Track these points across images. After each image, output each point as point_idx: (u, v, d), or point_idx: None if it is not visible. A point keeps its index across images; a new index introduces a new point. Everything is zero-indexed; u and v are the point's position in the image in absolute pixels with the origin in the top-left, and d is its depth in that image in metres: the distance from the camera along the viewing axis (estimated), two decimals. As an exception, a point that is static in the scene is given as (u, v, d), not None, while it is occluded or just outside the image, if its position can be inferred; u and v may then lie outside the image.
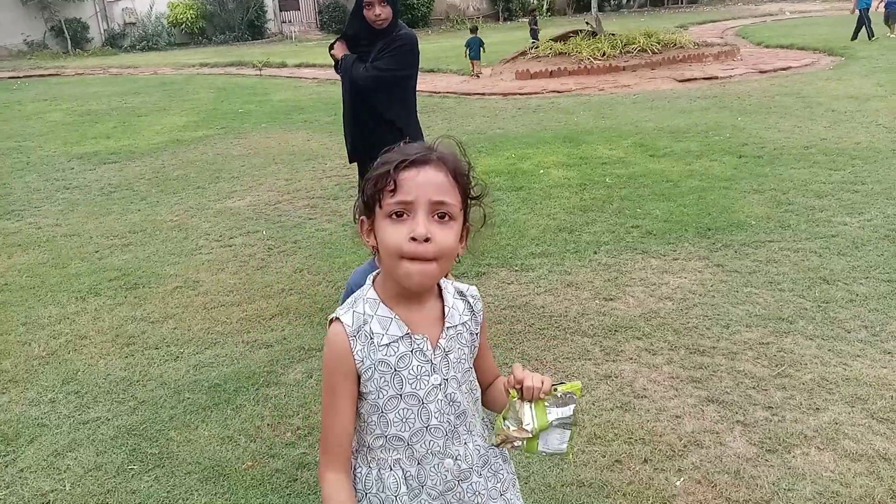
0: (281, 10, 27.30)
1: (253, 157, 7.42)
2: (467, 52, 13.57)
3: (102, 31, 25.07)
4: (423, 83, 12.29)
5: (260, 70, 15.95)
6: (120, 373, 3.19)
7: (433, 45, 20.65)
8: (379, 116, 3.39)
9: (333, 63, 3.57)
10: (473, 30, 14.19)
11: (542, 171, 6.14)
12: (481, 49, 13.53)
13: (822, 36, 15.33)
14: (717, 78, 10.80)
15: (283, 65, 16.89)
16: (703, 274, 3.84)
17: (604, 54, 12.46)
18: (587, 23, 15.42)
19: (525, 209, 5.16)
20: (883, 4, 14.87)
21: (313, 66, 15.95)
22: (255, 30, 26.21)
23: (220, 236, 4.98)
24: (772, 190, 5.14)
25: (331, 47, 3.57)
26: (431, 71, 14.23)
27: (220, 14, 25.35)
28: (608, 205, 5.11)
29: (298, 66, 16.55)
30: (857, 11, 14.60)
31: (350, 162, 3.67)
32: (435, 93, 11.50)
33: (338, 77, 3.56)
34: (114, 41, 24.92)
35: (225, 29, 25.50)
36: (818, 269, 3.79)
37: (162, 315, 3.76)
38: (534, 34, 16.21)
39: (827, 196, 4.93)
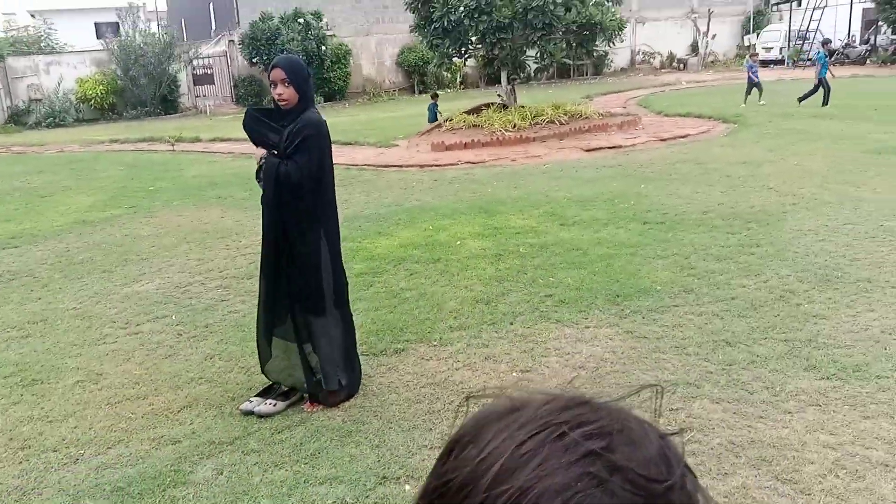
0: (195, 84, 27.17)
1: (163, 237, 7.24)
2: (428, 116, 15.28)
3: (6, 108, 24.24)
4: (341, 156, 12.47)
5: (173, 145, 15.73)
6: (13, 481, 2.97)
7: (350, 119, 20.96)
8: (304, 213, 3.35)
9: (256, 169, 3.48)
10: (433, 96, 15.91)
11: (458, 243, 6.25)
12: (438, 113, 15.14)
13: (716, 104, 16.44)
14: (621, 147, 11.37)
15: (197, 139, 16.73)
16: (614, 341, 3.96)
17: (515, 126, 12.93)
18: (498, 94, 16.06)
19: (443, 281, 5.22)
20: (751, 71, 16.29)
21: (228, 140, 15.85)
22: (168, 104, 25.93)
23: (127, 323, 4.79)
24: (675, 255, 5.40)
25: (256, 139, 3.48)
26: (349, 144, 14.39)
27: (131, 89, 24.99)
28: (522, 274, 5.23)
29: (213, 140, 16.42)
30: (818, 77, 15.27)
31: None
32: (353, 165, 11.62)
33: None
34: (18, 118, 24.09)
35: (137, 104, 25.12)
36: (721, 331, 3.97)
37: (61, 413, 3.55)
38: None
39: (726, 259, 5.21)
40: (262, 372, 3.56)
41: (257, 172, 3.42)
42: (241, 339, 4.37)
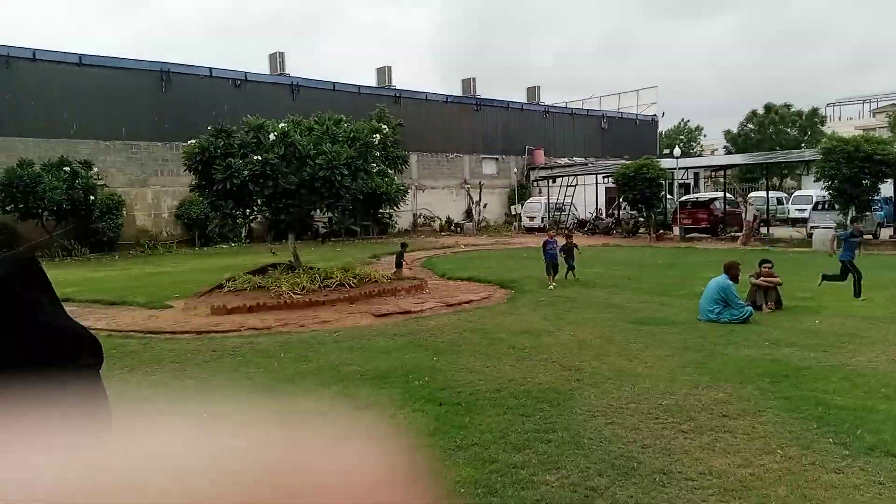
0: (-71, 230, 23.46)
1: None
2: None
3: None
4: (103, 319, 11.00)
5: None
6: None
7: (120, 273, 19.15)
8: None
9: None
10: (403, 245, 16.77)
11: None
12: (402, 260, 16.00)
13: (493, 269, 17.41)
14: (410, 312, 11.32)
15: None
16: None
17: (303, 288, 12.48)
18: (272, 251, 15.82)
19: None
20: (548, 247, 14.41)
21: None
22: None
23: None
24: (474, 445, 5.09)
25: None
26: (114, 304, 12.87)
27: None
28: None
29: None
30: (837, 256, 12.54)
31: None
32: (116, 331, 10.20)
33: None
34: None
35: None
36: (533, 547, 3.62)
37: None
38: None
39: (525, 449, 4.99)
40: None
41: None
42: None
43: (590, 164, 40.24)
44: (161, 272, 19.23)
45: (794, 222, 32.27)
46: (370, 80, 38.47)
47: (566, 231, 19.64)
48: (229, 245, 28.69)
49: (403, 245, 17.12)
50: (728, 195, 31.00)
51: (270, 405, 5.82)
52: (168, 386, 7.10)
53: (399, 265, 16.12)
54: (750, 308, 9.96)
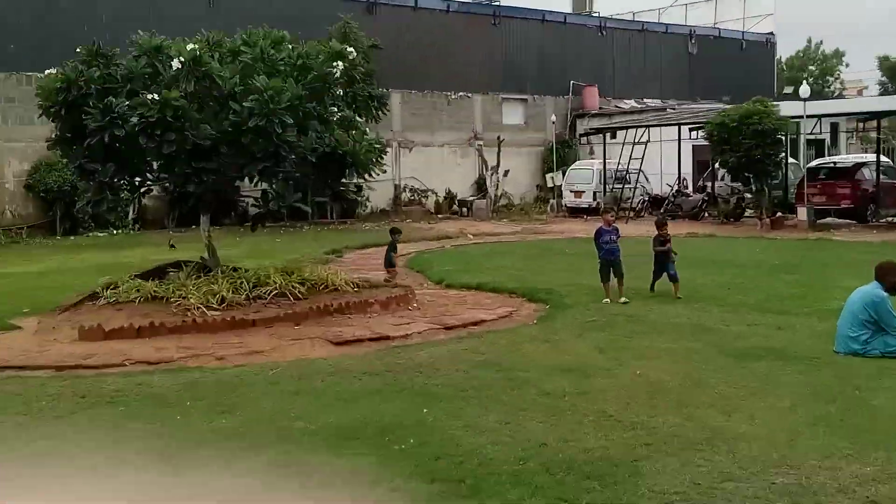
0: None
1: None
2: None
3: None
4: (-87, 347, 11.05)
5: None
6: None
7: (-60, 275, 19.21)
8: None
9: None
10: (393, 232, 17.18)
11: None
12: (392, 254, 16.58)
13: (518, 271, 17.47)
14: (389, 338, 11.39)
15: None
16: None
17: (223, 300, 12.51)
18: (172, 243, 15.82)
19: None
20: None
21: None
22: None
23: None
24: (485, 547, 5.12)
25: None
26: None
27: None
28: None
29: None
30: None
31: None
32: (-69, 366, 10.29)
33: None
34: None
35: None
36: None
37: None
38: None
39: (563, 553, 5.03)
40: None
41: None
42: None
43: (669, 111, 40.28)
44: (2, 274, 19.31)
45: None
46: (330, -22, 38.47)
47: (660, 217, 18.77)
48: (109, 232, 28.79)
49: (395, 232, 17.27)
50: (884, 159, 31.03)
51: (166, 484, 5.90)
52: (11, 451, 7.14)
53: (391, 263, 16.35)
54: (916, 335, 9.98)
